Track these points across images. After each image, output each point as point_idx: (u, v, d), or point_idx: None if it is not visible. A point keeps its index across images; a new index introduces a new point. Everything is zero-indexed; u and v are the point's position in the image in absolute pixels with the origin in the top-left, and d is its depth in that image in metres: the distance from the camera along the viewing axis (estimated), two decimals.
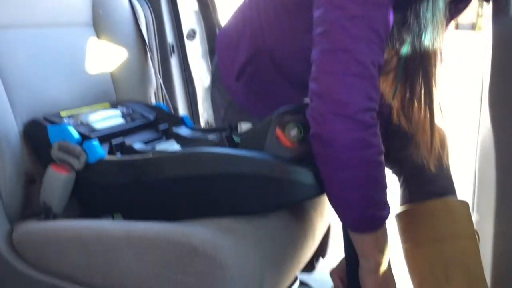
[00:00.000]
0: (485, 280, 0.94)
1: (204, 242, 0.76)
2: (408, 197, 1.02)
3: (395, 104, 0.95)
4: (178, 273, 0.78)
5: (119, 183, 0.90)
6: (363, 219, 0.79)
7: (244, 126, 1.20)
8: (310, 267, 1.23)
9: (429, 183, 0.98)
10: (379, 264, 0.82)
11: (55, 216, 0.96)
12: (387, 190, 0.80)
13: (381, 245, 0.82)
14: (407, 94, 0.92)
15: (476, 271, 0.94)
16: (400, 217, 1.04)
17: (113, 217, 0.96)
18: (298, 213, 0.97)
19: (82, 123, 1.03)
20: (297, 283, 1.24)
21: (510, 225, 1.12)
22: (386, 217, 0.80)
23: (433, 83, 0.89)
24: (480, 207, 1.07)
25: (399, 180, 1.08)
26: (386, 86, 0.96)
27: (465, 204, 0.99)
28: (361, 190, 0.77)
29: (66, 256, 0.89)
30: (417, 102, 0.92)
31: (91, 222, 0.91)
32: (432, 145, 0.93)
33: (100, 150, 0.92)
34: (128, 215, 0.94)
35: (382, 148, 0.78)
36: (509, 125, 1.08)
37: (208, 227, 0.80)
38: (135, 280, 0.82)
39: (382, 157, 0.78)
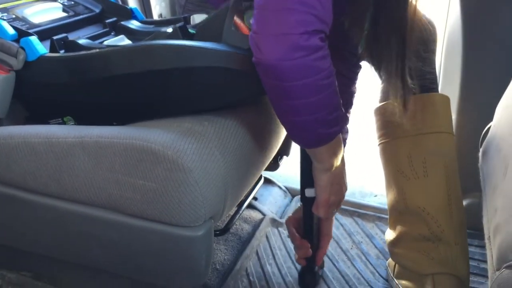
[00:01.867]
0: (458, 176, 0.96)
1: (165, 146, 0.72)
2: (390, 92, 0.99)
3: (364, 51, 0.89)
4: (139, 178, 0.74)
5: (64, 83, 0.83)
6: (314, 139, 0.77)
7: (197, 18, 1.12)
8: (274, 165, 1.23)
9: (414, 78, 0.94)
10: (332, 165, 0.82)
11: None
12: (340, 107, 0.77)
13: (334, 150, 0.81)
14: (376, 47, 0.86)
15: (453, 166, 0.95)
16: (380, 111, 1.01)
17: (63, 121, 0.90)
18: (261, 112, 0.93)
19: (17, 18, 0.92)
20: (261, 182, 1.24)
21: (472, 116, 1.14)
22: (340, 131, 0.79)
23: (406, 41, 0.82)
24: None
25: (387, 79, 1.04)
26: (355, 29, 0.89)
27: (446, 98, 0.97)
28: (310, 115, 0.73)
29: (16, 164, 0.84)
30: (387, 55, 0.85)
31: (40, 128, 0.84)
32: (405, 104, 0.87)
33: (39, 47, 0.83)
34: (80, 119, 0.88)
35: (332, 68, 0.72)
36: (477, 14, 1.06)
37: (168, 130, 0.75)
38: (92, 186, 0.78)
39: (333, 78, 0.73)
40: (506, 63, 1.05)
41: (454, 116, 1.16)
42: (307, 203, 0.94)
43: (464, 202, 1.16)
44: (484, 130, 0.87)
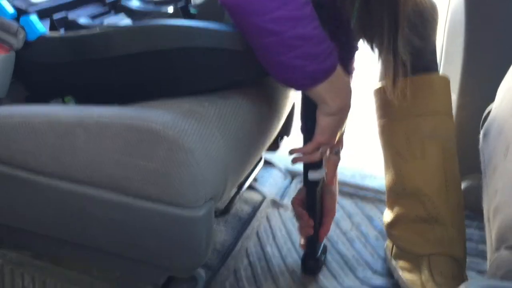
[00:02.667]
0: (457, 158, 0.96)
1: (165, 126, 0.72)
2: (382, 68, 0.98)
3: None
4: (139, 159, 0.74)
5: (65, 63, 0.82)
6: (306, 77, 0.73)
7: None
8: (274, 146, 1.23)
9: (414, 58, 0.93)
10: (337, 108, 0.79)
11: None
12: (326, 39, 0.73)
13: (337, 91, 0.77)
14: (369, 22, 0.84)
15: (451, 148, 0.95)
16: (379, 92, 1.01)
17: (64, 101, 0.89)
18: (262, 92, 0.93)
19: None
20: (261, 163, 1.24)
21: (473, 97, 1.13)
22: (334, 65, 0.75)
23: (399, 14, 0.80)
24: None
25: (379, 54, 1.03)
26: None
27: (446, 80, 0.96)
28: (294, 51, 0.70)
29: (16, 143, 0.83)
30: (378, 29, 0.84)
31: (40, 107, 0.84)
32: (395, 81, 0.86)
33: (40, 26, 0.83)
34: (80, 99, 0.88)
35: None
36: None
37: (169, 110, 0.75)
38: (93, 167, 0.78)
39: (308, 8, 0.70)
40: (509, 44, 1.05)
41: (455, 98, 1.16)
42: (311, 186, 0.94)
43: (465, 184, 1.17)
44: (486, 112, 0.86)
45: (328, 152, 0.88)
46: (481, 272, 1.03)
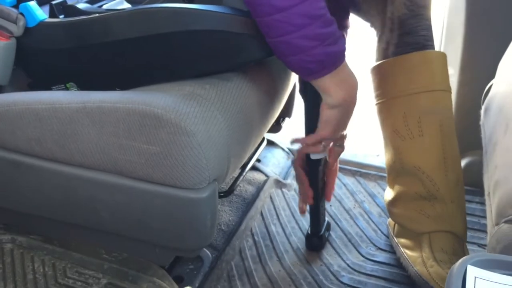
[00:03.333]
0: (455, 134, 0.96)
1: (167, 110, 0.72)
2: (386, 50, 0.98)
3: None
4: (142, 142, 0.75)
5: (65, 48, 0.82)
6: (313, 61, 0.72)
7: None
8: (276, 127, 1.23)
9: (408, 35, 0.93)
10: (342, 100, 0.78)
11: (1, 89, 0.89)
12: (334, 23, 0.72)
13: (343, 82, 0.76)
14: None
15: (449, 124, 0.95)
16: (376, 71, 1.00)
17: (66, 87, 0.90)
18: (263, 74, 0.93)
19: None
20: (264, 144, 1.25)
21: (474, 73, 1.13)
22: (341, 53, 0.74)
23: None
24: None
25: (376, 33, 1.02)
26: None
27: (443, 55, 0.96)
28: (299, 30, 0.69)
29: (20, 130, 0.85)
30: None
31: (43, 94, 0.85)
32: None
33: (39, 12, 0.83)
34: (82, 85, 0.88)
35: None
36: None
37: (170, 94, 0.75)
38: (97, 151, 0.80)
39: None
40: (510, 20, 1.04)
41: (456, 73, 1.16)
42: (313, 165, 0.95)
43: (466, 160, 1.17)
44: (487, 88, 0.86)
45: (331, 144, 0.89)
46: (483, 246, 1.05)
